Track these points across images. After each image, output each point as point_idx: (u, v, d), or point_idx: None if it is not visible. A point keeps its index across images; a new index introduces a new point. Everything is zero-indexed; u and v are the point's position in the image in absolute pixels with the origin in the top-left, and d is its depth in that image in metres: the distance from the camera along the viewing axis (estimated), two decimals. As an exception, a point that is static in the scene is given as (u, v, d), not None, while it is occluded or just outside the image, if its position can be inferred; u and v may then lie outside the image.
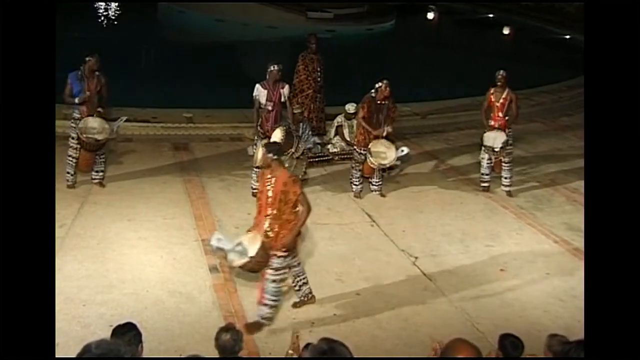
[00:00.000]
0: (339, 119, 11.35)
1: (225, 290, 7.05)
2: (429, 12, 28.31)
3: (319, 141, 11.14)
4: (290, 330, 6.38)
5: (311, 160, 10.18)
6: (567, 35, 23.70)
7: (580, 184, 10.60)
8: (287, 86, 9.35)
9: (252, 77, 9.51)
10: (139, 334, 4.39)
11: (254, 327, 6.39)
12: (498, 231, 8.97)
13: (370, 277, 7.58)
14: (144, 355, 4.53)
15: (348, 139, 11.13)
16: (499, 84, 9.89)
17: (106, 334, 5.49)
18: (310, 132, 10.67)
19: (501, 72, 9.91)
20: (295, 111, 9.85)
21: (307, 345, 4.06)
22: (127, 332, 4.32)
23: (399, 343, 6.45)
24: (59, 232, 7.85)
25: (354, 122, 10.70)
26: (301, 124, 10.15)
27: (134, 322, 4.62)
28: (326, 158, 10.93)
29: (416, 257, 8.11)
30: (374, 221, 9.00)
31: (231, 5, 21.69)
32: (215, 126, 12.10)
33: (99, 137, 8.84)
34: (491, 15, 27.40)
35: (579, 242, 8.64)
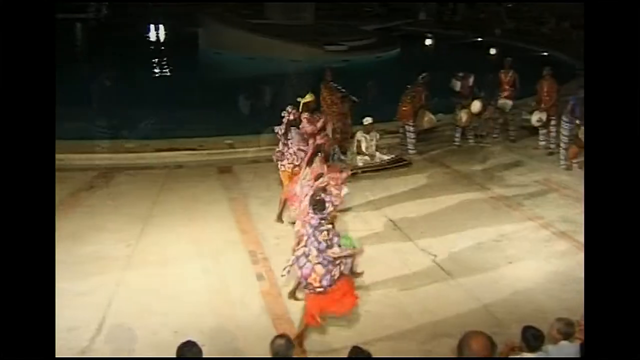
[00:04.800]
0: (359, 135, 11.05)
1: (271, 296, 6.83)
2: (427, 39, 28.76)
3: (343, 158, 10.85)
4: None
5: (353, 172, 9.79)
6: (544, 52, 23.86)
7: (569, 180, 10.38)
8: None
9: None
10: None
11: None
12: (504, 227, 8.66)
13: (397, 276, 7.31)
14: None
15: (365, 151, 10.86)
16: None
17: (171, 339, 5.35)
18: (340, 151, 10.44)
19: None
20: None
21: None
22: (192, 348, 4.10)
23: (426, 334, 6.19)
24: (126, 251, 7.79)
25: (372, 134, 10.91)
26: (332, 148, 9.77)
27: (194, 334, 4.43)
28: (372, 169, 10.76)
29: (435, 255, 7.84)
30: (395, 225, 8.73)
31: (259, 45, 21.69)
32: (253, 150, 11.88)
33: None
34: (480, 39, 27.42)
35: (574, 231, 8.39)
